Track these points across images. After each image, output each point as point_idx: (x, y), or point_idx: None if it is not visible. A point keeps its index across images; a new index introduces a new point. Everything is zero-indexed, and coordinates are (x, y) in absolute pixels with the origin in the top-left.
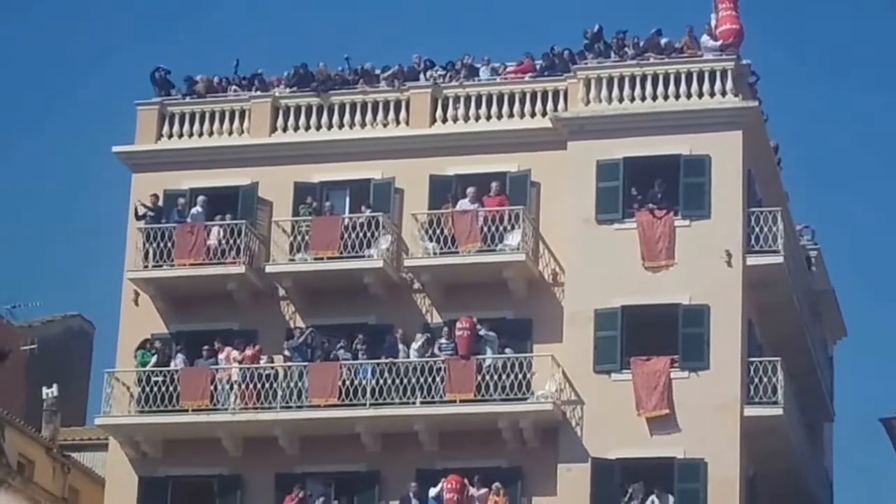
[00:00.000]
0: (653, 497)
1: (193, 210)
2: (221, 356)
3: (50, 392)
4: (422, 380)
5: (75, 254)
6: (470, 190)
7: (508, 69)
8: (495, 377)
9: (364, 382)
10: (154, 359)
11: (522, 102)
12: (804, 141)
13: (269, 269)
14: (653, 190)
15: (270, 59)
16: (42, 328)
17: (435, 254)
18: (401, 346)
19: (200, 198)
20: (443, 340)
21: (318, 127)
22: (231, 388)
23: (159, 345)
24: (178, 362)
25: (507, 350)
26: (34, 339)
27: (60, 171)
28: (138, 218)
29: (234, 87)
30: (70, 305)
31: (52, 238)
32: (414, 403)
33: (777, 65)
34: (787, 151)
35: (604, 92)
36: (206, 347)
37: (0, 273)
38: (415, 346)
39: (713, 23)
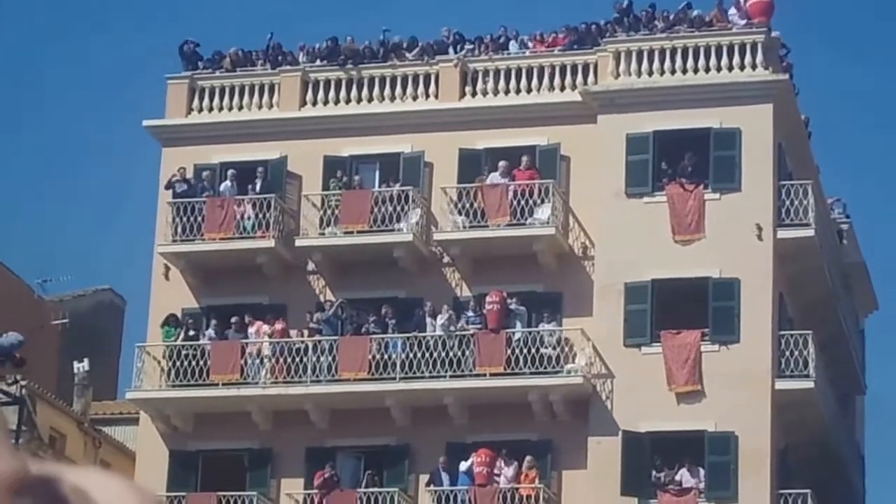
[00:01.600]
0: (683, 470)
1: (224, 184)
2: (251, 330)
3: (81, 366)
4: (451, 353)
5: (106, 228)
6: (501, 164)
7: (538, 44)
8: (525, 350)
9: (394, 356)
10: (180, 334)
11: (552, 76)
12: (835, 113)
13: (298, 242)
14: (683, 163)
15: (299, 33)
16: (73, 302)
17: (464, 227)
18: (429, 320)
19: (230, 171)
20: (470, 314)
21: (348, 101)
22: (261, 361)
23: (190, 321)
24: (208, 336)
25: (542, 324)
26: (65, 313)
27: (90, 145)
28: (167, 187)
29: (261, 61)
30: (101, 279)
31: (82, 212)
32: (444, 377)
33: (807, 37)
34: (817, 124)
35: (633, 65)
36: (234, 319)
37: (31, 248)
38: (440, 320)
39: None
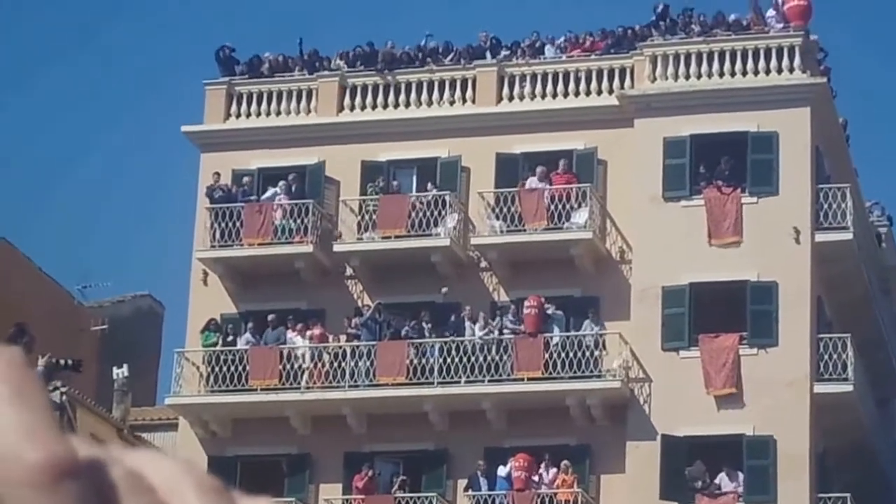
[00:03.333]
0: (722, 474)
1: (271, 191)
2: (290, 334)
3: (120, 372)
4: (489, 358)
5: (145, 233)
6: (539, 169)
7: (574, 48)
8: (563, 355)
9: (431, 361)
10: (218, 339)
11: (589, 80)
12: (874, 116)
13: (336, 247)
14: (720, 167)
15: (336, 39)
16: (112, 308)
17: (502, 232)
18: (468, 324)
19: (282, 183)
20: (510, 318)
21: (385, 106)
22: (300, 367)
23: (229, 326)
24: (246, 341)
25: (580, 328)
26: (105, 319)
27: (130, 151)
28: (208, 194)
29: (298, 66)
30: (140, 285)
31: (122, 218)
32: (482, 381)
33: (845, 40)
34: (855, 127)
35: (670, 69)
36: (271, 317)
37: (71, 254)
38: (477, 326)
39: None
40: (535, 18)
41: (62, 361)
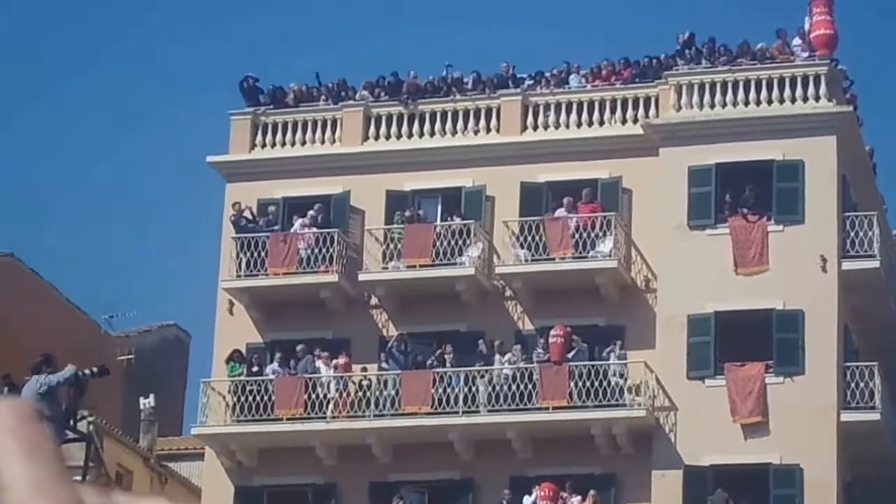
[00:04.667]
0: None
1: (298, 222)
2: (319, 363)
3: (147, 402)
4: (514, 387)
5: (171, 263)
6: (567, 199)
7: (598, 78)
8: (587, 384)
9: (457, 390)
10: (244, 370)
11: (613, 109)
12: None
13: (361, 277)
14: (745, 195)
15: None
16: (139, 338)
17: (526, 261)
18: (497, 356)
19: (310, 213)
20: (539, 350)
21: (410, 135)
22: (325, 396)
23: (251, 356)
24: (272, 371)
25: (605, 357)
26: (131, 348)
27: (154, 181)
28: (236, 222)
29: (323, 96)
30: (166, 315)
31: (147, 248)
32: (507, 411)
33: (871, 68)
34: (882, 154)
35: (695, 98)
36: (299, 347)
37: (97, 284)
38: (505, 358)
39: (806, 27)
40: (560, 48)
41: (86, 371)
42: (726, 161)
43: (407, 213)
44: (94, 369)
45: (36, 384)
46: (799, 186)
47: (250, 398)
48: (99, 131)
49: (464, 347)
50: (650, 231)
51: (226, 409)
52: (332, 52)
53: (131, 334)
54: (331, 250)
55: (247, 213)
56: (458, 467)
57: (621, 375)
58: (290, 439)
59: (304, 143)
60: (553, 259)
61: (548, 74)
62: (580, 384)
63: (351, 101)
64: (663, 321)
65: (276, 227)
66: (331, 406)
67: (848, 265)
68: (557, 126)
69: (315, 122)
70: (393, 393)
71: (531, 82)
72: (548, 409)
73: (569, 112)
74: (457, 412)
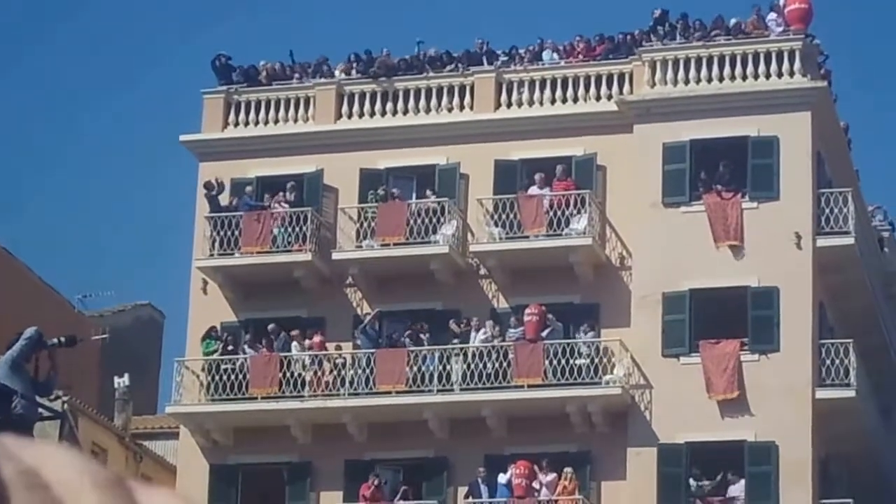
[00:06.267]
0: (732, 486)
1: (278, 198)
2: (293, 344)
3: (122, 381)
4: (489, 365)
5: (144, 243)
6: (538, 175)
7: (572, 54)
8: (562, 362)
9: (431, 368)
10: (219, 347)
11: (587, 86)
12: (875, 119)
13: (335, 255)
14: (720, 172)
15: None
16: (113, 317)
17: (501, 239)
18: (473, 334)
19: (291, 195)
20: (512, 327)
21: (383, 113)
22: (300, 375)
23: (225, 335)
24: (246, 349)
25: (580, 335)
26: (105, 328)
27: (127, 160)
28: (207, 191)
29: (297, 74)
30: (140, 294)
31: (120, 227)
32: (482, 389)
33: (845, 43)
34: (856, 130)
35: (669, 74)
36: (271, 326)
37: (71, 263)
38: (481, 335)
39: (781, 1)
40: (533, 24)
41: (54, 340)
42: (701, 137)
43: (381, 192)
44: (62, 339)
45: (4, 365)
46: (773, 163)
47: (225, 377)
48: (69, 110)
49: (439, 326)
50: (625, 208)
51: (200, 388)
52: (308, 30)
53: (105, 314)
54: (304, 229)
55: (218, 189)
56: (433, 445)
57: (596, 353)
58: (265, 418)
59: (277, 121)
60: (527, 237)
61: (522, 51)
62: (555, 362)
63: (324, 80)
64: (638, 299)
65: (257, 204)
66: (306, 385)
67: (823, 242)
68: (531, 103)
69: (288, 101)
70: (368, 372)
71: (505, 59)
72: (523, 387)
73: (543, 89)
74: (431, 390)
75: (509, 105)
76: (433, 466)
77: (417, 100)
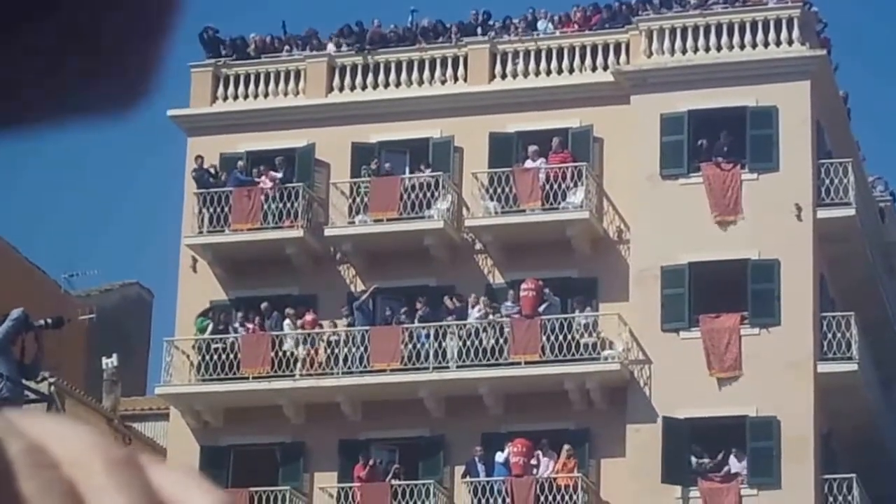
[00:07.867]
0: (732, 457)
1: (271, 174)
2: (286, 322)
3: (110, 362)
4: (485, 342)
5: (131, 220)
6: (532, 148)
7: (568, 24)
8: (560, 337)
9: (427, 346)
10: (209, 324)
11: (583, 56)
12: (875, 89)
13: (328, 231)
14: (719, 143)
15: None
16: (100, 297)
17: (496, 213)
18: (469, 310)
19: (282, 170)
20: (508, 303)
21: (375, 86)
22: (292, 354)
23: (220, 315)
24: (237, 328)
25: (577, 310)
26: (92, 308)
27: (114, 136)
28: (198, 178)
29: (286, 46)
30: (127, 273)
31: (107, 205)
32: (478, 366)
33: (844, 10)
34: (856, 100)
35: (666, 43)
36: (263, 305)
37: (57, 242)
38: (476, 311)
39: None
40: None
41: (41, 322)
42: (699, 108)
43: (373, 166)
44: (49, 320)
45: None
46: (773, 133)
47: (215, 357)
48: None
49: (434, 303)
50: (622, 181)
51: (190, 368)
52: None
53: (92, 293)
54: (296, 205)
55: (210, 169)
56: (428, 424)
57: (595, 328)
58: (257, 398)
59: (266, 95)
60: (523, 211)
61: (516, 21)
62: (552, 338)
63: (315, 52)
64: (636, 273)
65: (247, 179)
66: (299, 364)
67: (823, 213)
68: (526, 74)
69: (278, 74)
70: (362, 350)
71: (499, 28)
72: (520, 363)
73: (538, 60)
74: (427, 368)
75: (504, 76)
76: (429, 446)
77: (410, 72)
